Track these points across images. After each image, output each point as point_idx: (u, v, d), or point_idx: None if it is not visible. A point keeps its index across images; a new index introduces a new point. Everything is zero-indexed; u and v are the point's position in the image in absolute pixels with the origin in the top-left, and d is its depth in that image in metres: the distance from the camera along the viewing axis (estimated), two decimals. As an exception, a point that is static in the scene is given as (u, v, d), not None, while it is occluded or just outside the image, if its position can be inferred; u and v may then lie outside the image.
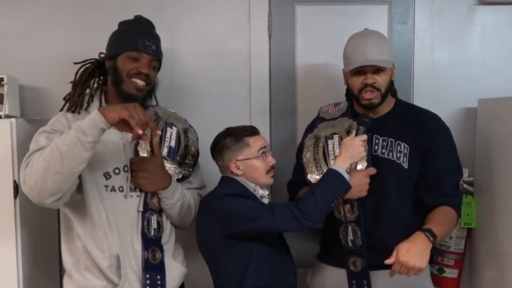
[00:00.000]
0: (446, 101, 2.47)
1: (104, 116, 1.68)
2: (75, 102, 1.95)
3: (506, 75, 2.49)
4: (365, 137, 1.95)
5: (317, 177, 2.04)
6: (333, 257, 2.09)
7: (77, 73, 2.02)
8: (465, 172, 2.37)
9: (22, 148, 2.11)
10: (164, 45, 2.48)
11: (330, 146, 2.06)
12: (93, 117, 1.69)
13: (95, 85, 2.01)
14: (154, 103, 2.14)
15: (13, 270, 2.10)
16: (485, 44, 2.52)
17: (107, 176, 1.88)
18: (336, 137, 2.07)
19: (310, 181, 2.07)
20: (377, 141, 2.03)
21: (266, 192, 2.01)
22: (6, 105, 2.17)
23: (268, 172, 1.99)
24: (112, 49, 1.98)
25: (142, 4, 2.50)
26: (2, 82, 2.18)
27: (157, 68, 2.02)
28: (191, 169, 2.08)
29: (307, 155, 2.11)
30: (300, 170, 2.15)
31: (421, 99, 2.30)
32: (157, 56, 1.98)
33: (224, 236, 1.88)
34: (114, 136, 1.90)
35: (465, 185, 2.36)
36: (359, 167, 2.00)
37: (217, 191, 1.97)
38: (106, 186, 1.88)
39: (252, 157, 1.96)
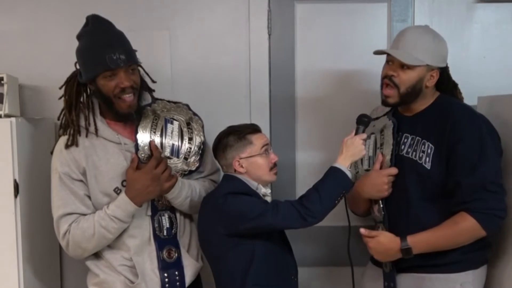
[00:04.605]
0: (446, 98, 2.46)
1: (135, 204, 1.87)
2: (73, 133, 1.93)
3: (505, 73, 2.50)
4: (364, 135, 1.96)
5: None
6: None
7: (64, 95, 2.00)
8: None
9: (22, 147, 2.12)
10: (163, 44, 2.49)
11: (366, 147, 2.03)
12: (127, 207, 1.87)
13: (85, 104, 1.98)
14: (149, 100, 2.07)
15: (13, 269, 2.09)
16: (485, 41, 2.53)
17: (117, 191, 1.92)
18: (372, 137, 2.08)
19: None
20: (405, 140, 1.97)
21: (268, 191, 2.01)
22: (6, 104, 2.16)
23: (271, 169, 1.99)
24: (86, 72, 1.90)
25: (141, 3, 2.49)
26: (2, 81, 2.17)
27: (137, 67, 1.95)
28: (198, 163, 2.05)
29: None
30: None
31: (421, 96, 2.30)
32: (131, 63, 1.89)
33: (228, 234, 1.88)
34: (114, 149, 1.94)
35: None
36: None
37: (219, 190, 1.97)
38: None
39: (255, 155, 1.96)
